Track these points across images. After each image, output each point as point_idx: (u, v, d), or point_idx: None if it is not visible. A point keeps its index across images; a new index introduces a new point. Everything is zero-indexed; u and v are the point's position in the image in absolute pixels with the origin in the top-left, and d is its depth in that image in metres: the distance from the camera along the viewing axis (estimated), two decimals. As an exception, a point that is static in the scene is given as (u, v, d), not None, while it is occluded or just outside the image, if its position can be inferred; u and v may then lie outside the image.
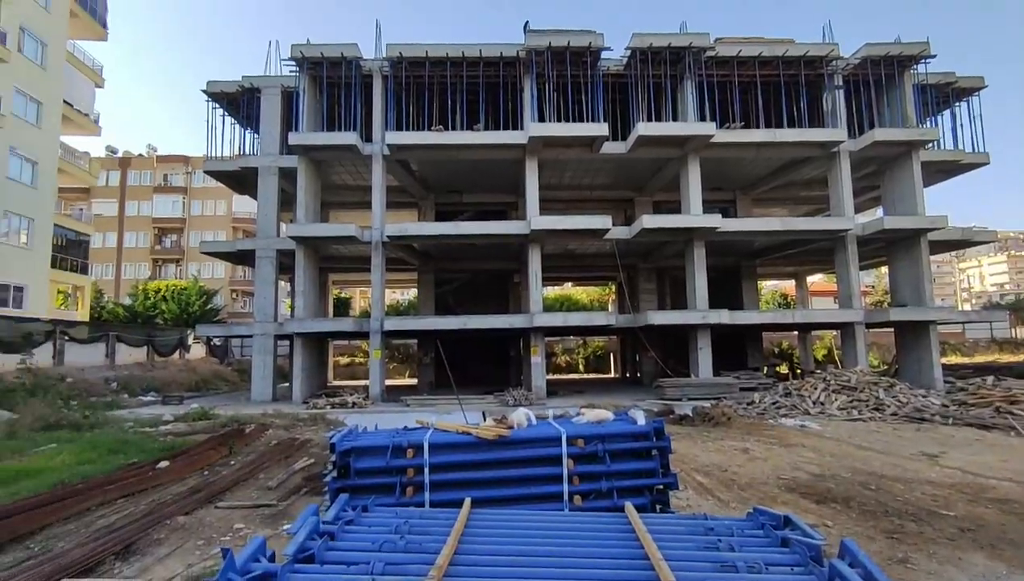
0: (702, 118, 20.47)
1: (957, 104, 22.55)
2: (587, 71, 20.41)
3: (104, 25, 30.09)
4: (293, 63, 20.51)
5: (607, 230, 19.80)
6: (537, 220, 19.41)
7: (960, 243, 23.12)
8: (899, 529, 5.45)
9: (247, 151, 23.28)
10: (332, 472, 4.27)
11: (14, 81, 23.68)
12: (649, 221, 19.77)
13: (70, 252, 28.81)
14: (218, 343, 33.27)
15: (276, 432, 12.16)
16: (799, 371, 27.24)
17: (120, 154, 55.65)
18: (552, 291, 53.73)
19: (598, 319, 21.17)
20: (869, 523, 5.67)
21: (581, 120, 20.57)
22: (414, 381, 30.08)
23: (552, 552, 2.72)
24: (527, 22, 20.74)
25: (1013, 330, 43.02)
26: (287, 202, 22.24)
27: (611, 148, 20.69)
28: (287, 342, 23.33)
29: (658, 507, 4.55)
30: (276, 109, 21.54)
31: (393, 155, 20.54)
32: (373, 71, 20.81)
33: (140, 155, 55.94)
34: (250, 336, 21.71)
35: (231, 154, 22.86)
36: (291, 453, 9.80)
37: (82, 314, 30.27)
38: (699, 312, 19.82)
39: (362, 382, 27.04)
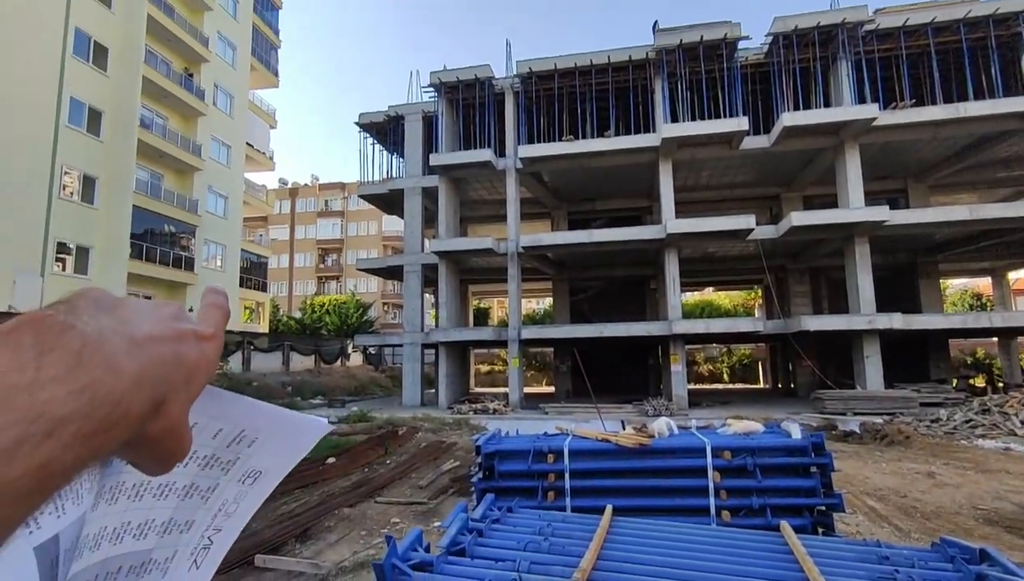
0: (861, 100, 18.40)
1: None
2: (722, 64, 19.35)
3: (276, 74, 34.63)
4: (432, 89, 21.95)
5: (750, 230, 18.50)
6: (673, 223, 18.71)
7: None
8: None
9: (393, 174, 25.32)
10: (478, 473, 4.45)
11: (211, 131, 28.07)
12: (799, 218, 18.12)
13: (253, 273, 33.31)
14: (373, 352, 36.36)
15: (425, 435, 12.97)
16: (1001, 384, 23.14)
17: (289, 185, 63.42)
18: (692, 297, 51.30)
19: (743, 325, 19.82)
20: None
21: (717, 116, 19.52)
22: (551, 389, 30.37)
23: (698, 565, 2.57)
24: (656, 22, 20.21)
25: None
26: (430, 219, 23.75)
27: (752, 143, 19.37)
28: (432, 350, 24.85)
29: (820, 530, 4.10)
30: (418, 133, 23.16)
31: (526, 168, 21.06)
32: (505, 88, 21.56)
33: (305, 184, 63.29)
34: (400, 345, 23.43)
35: (380, 178, 25.01)
36: (439, 455, 10.37)
37: (263, 327, 34.83)
38: (864, 316, 17.70)
39: (502, 389, 27.89)
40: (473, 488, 4.56)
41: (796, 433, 4.32)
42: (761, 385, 34.34)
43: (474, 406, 18.99)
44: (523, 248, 20.47)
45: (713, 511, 4.02)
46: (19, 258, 18.65)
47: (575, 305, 26.80)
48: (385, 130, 24.42)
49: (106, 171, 22.14)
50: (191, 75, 27.03)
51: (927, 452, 10.06)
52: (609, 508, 3.29)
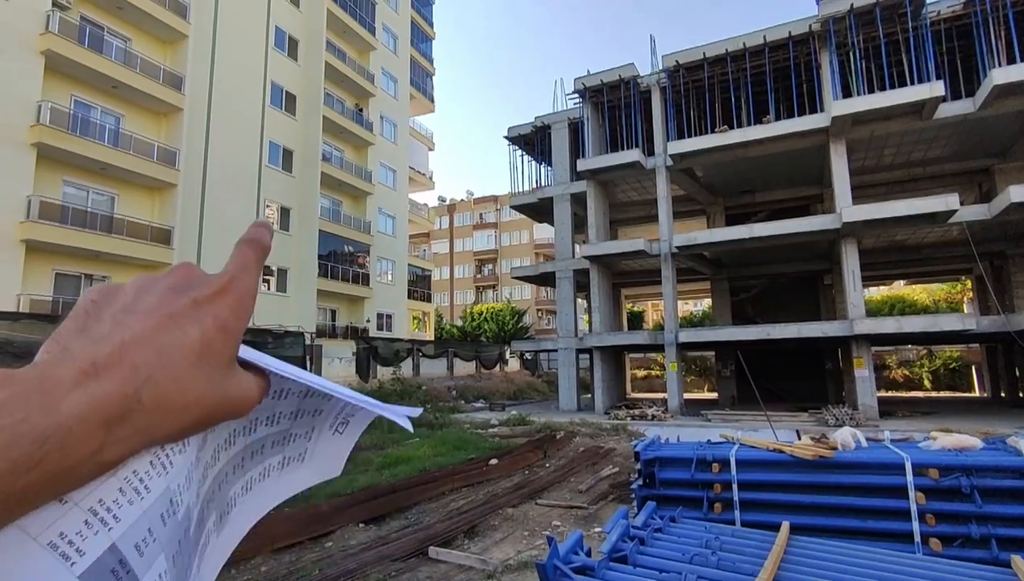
0: (1103, 42, 14.93)
1: None
2: (906, 24, 16.93)
3: (432, 100, 37.51)
4: (576, 95, 22.18)
5: (952, 212, 15.90)
6: (850, 211, 16.75)
7: None
8: None
9: (542, 183, 25.96)
10: (638, 480, 4.42)
11: (379, 158, 31.25)
12: (1020, 193, 15.14)
13: (418, 285, 36.27)
14: (529, 357, 37.46)
15: (582, 440, 13.08)
16: None
17: (447, 201, 68.01)
18: (878, 292, 45.17)
19: (948, 323, 16.98)
20: None
21: (903, 85, 17.09)
22: (713, 395, 28.80)
23: None
24: (820, -11, 18.33)
25: None
26: (579, 225, 23.94)
27: (951, 109, 16.70)
28: (587, 355, 24.95)
29: None
30: (564, 141, 23.52)
31: (676, 165, 20.34)
32: (651, 86, 21.07)
33: (461, 200, 67.42)
34: (555, 350, 23.89)
35: (530, 188, 25.81)
36: (597, 460, 10.41)
37: (429, 335, 37.72)
38: (1122, 308, 14.25)
39: (659, 395, 27.06)
40: (633, 495, 4.54)
41: None
42: (976, 394, 29.16)
43: (631, 411, 18.68)
44: (677, 248, 19.74)
45: (918, 537, 3.52)
46: (235, 281, 22.39)
47: (736, 306, 25.14)
48: (532, 141, 25.17)
49: (297, 201, 25.78)
50: (361, 110, 30.36)
51: None
52: (786, 525, 3.08)
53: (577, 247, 23.78)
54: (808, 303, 24.66)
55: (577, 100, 22.46)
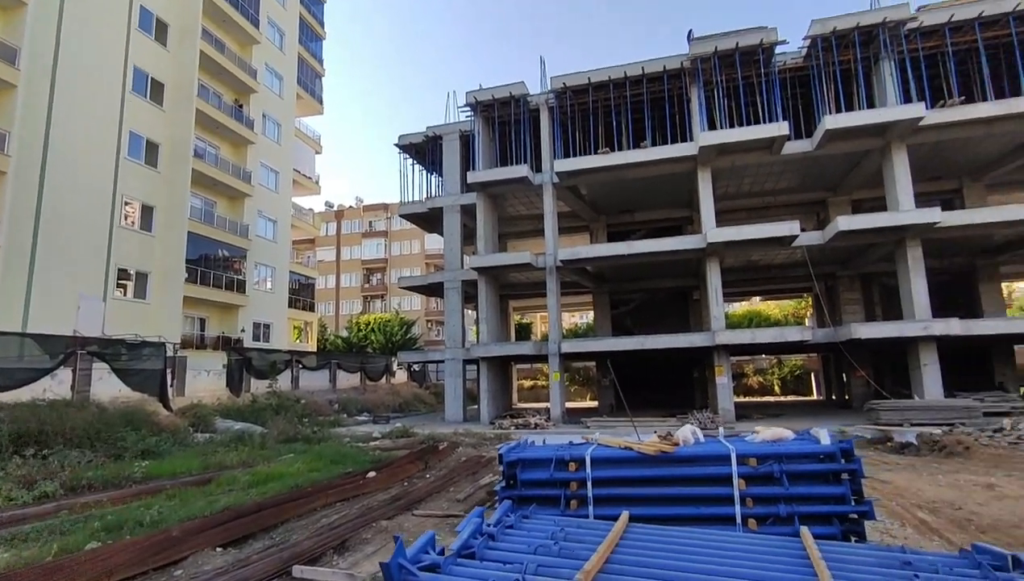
0: (907, 100, 17.83)
1: None
2: (760, 70, 19.13)
3: (320, 102, 36.13)
4: (468, 108, 22.47)
5: (795, 237, 18.09)
6: (713, 232, 18.49)
7: None
8: None
9: (433, 193, 25.91)
10: (501, 482, 4.56)
11: (260, 158, 29.47)
12: (845, 222, 17.61)
13: (301, 294, 34.49)
14: (416, 368, 36.92)
15: (465, 450, 13.14)
16: (1075, 392, 21.65)
17: (335, 207, 65.51)
18: (740, 307, 50.05)
19: (792, 335, 19.24)
20: None
21: (757, 123, 19.24)
22: (595, 403, 30.14)
23: (710, 571, 2.58)
24: (691, 30, 20.20)
25: None
26: (469, 236, 24.16)
27: (794, 147, 19.00)
28: (475, 366, 25.12)
29: (853, 539, 4.00)
30: (455, 152, 23.70)
31: (562, 182, 21.23)
32: (540, 104, 21.88)
33: (350, 206, 65.29)
34: (442, 361, 23.79)
35: (420, 197, 25.64)
36: (477, 469, 10.51)
37: (311, 346, 35.94)
38: (919, 323, 16.98)
39: (544, 404, 27.83)
40: (498, 497, 4.67)
41: (825, 439, 4.24)
42: (814, 397, 33.12)
43: (516, 421, 19.07)
44: (561, 262, 20.56)
45: (739, 519, 3.98)
46: (83, 284, 19.97)
47: (617, 318, 26.63)
48: (424, 150, 25.09)
49: (163, 200, 23.54)
50: (241, 106, 28.52)
51: (988, 463, 9.53)
52: (625, 514, 3.35)
53: (466, 258, 23.97)
54: (680, 316, 26.73)
55: (469, 113, 22.75)
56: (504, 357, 22.90)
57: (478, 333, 23.49)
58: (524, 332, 44.65)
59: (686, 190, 21.90)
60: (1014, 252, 21.31)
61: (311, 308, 35.83)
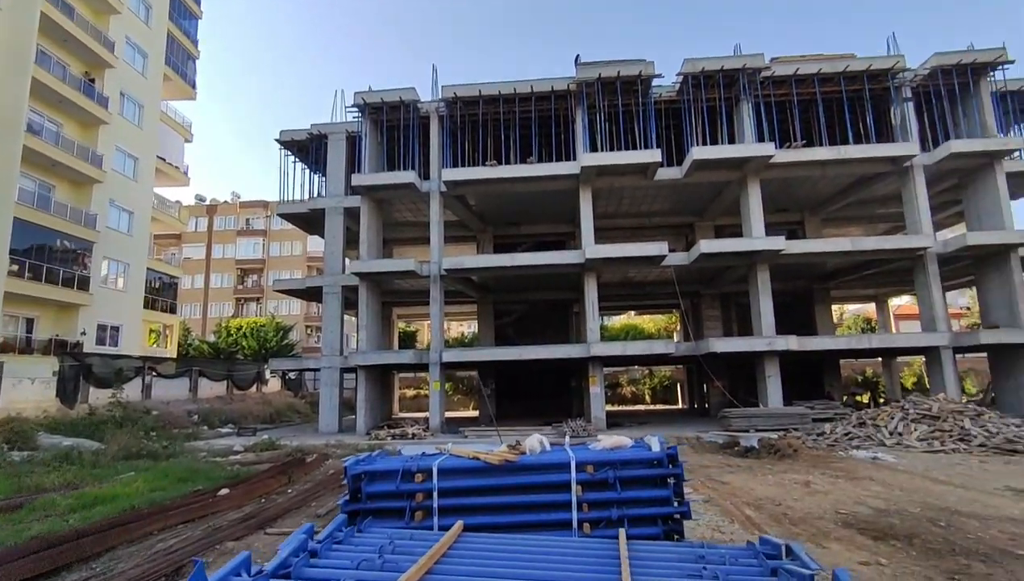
0: (760, 139, 19.92)
1: (1047, 109, 20.84)
2: (639, 99, 20.43)
3: (193, 86, 33.21)
4: (356, 109, 21.77)
5: (663, 257, 19.45)
6: (592, 249, 19.36)
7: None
8: (964, 570, 4.98)
9: (316, 194, 24.72)
10: (346, 496, 4.39)
11: (115, 140, 26.42)
12: (707, 246, 19.27)
13: (161, 294, 31.28)
14: (292, 376, 34.86)
15: (335, 462, 12.55)
16: (882, 400, 25.28)
17: (208, 202, 60.45)
18: (618, 321, 52.90)
19: (658, 347, 20.63)
20: (931, 562, 5.19)
21: (634, 148, 20.52)
22: (477, 413, 30.21)
23: (529, 576, 2.66)
24: (578, 55, 21.13)
25: None
26: (353, 240, 23.30)
27: (667, 174, 20.47)
28: (355, 375, 24.19)
29: (675, 537, 4.32)
30: (341, 153, 22.83)
31: (450, 191, 21.20)
32: (430, 112, 21.73)
33: (225, 202, 60.55)
34: (318, 369, 22.65)
35: (302, 197, 24.34)
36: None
37: (170, 351, 32.65)
38: (764, 339, 18.94)
39: (426, 414, 27.44)
40: (341, 511, 4.48)
41: (656, 446, 4.56)
42: (680, 406, 35.68)
43: (393, 431, 18.59)
44: (446, 270, 20.47)
45: (575, 524, 4.15)
46: None
47: (500, 328, 26.97)
48: (307, 148, 23.90)
49: (-15, 180, 20.29)
50: (92, 80, 25.45)
51: (810, 463, 10.82)
52: (459, 523, 3.34)
53: (349, 263, 23.11)
54: (561, 328, 27.66)
55: (357, 114, 22.05)
56: (385, 366, 22.29)
57: (358, 340, 22.67)
58: (409, 340, 43.84)
59: (569, 207, 22.77)
60: (842, 278, 24.53)
61: (172, 310, 32.61)
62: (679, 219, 25.58)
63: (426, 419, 21.61)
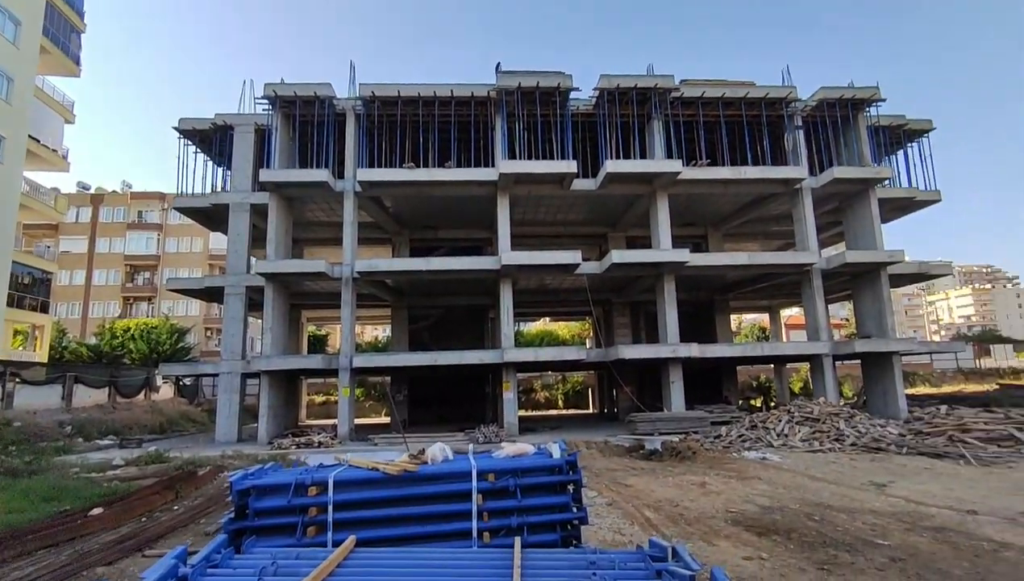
0: (669, 156, 20.95)
1: (909, 145, 23.50)
2: (557, 110, 20.87)
3: (77, 62, 30.13)
4: (267, 102, 20.65)
5: (577, 265, 19.93)
6: (508, 255, 19.49)
7: (918, 276, 23.78)
8: (832, 560, 5.45)
9: (220, 188, 23.15)
10: (230, 513, 4.08)
11: (-20, 118, 23.40)
12: (618, 256, 19.97)
13: (31, 290, 28.06)
14: (188, 383, 32.38)
15: (232, 474, 11.71)
16: (773, 404, 27.29)
17: (92, 190, 55.05)
18: (534, 327, 53.70)
19: (570, 354, 21.09)
20: (805, 554, 5.64)
21: (552, 157, 20.92)
22: (389, 419, 29.48)
23: None
24: (499, 63, 21.25)
25: (978, 360, 43.91)
26: (260, 239, 22.03)
27: (582, 185, 21.01)
28: (258, 381, 22.83)
29: (573, 543, 4.39)
30: (249, 146, 21.56)
31: (365, 191, 20.60)
32: (346, 110, 21.03)
33: (114, 192, 55.43)
34: (216, 375, 21.16)
35: (204, 191, 22.70)
36: (243, 497, 9.40)
37: (41, 355, 29.31)
38: (669, 346, 19.88)
39: (335, 421, 26.40)
40: (223, 530, 4.15)
41: (556, 453, 4.61)
42: (591, 410, 36.67)
43: (298, 440, 17.69)
44: (359, 273, 19.82)
45: (475, 534, 4.08)
46: None
47: (415, 333, 26.50)
48: (211, 139, 22.34)
49: None
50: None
51: (707, 465, 11.45)
52: (351, 538, 3.19)
53: (254, 262, 21.84)
54: (477, 334, 27.63)
55: (267, 106, 20.91)
56: (291, 371, 21.21)
57: (263, 344, 21.41)
58: (319, 344, 42.10)
59: (487, 212, 22.82)
60: (740, 290, 26.28)
61: (44, 308, 29.29)
62: (593, 229, 26.37)
63: (334, 426, 20.75)
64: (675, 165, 20.00)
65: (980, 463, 11.13)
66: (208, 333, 52.08)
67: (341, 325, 20.55)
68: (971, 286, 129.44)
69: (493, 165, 20.57)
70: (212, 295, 23.79)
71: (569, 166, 19.75)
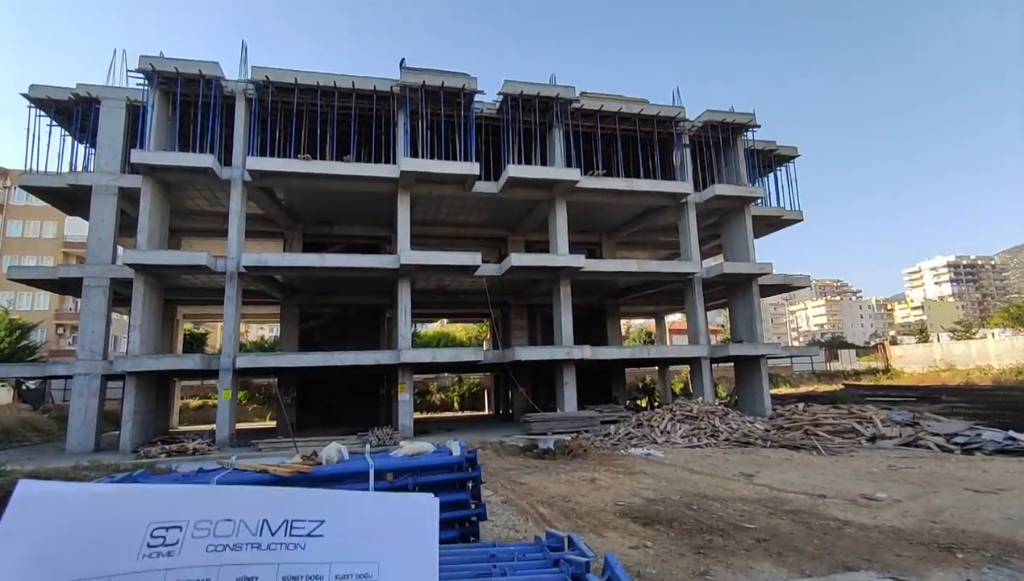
0: (569, 164, 21.68)
1: (779, 168, 26.16)
2: (461, 112, 20.90)
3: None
4: (142, 76, 18.78)
5: (477, 267, 20.04)
6: (407, 254, 19.18)
7: (783, 287, 26.46)
8: (707, 544, 5.95)
9: (80, 167, 20.68)
10: None
11: None
12: (517, 259, 20.35)
13: None
14: (32, 387, 28.58)
15: (88, 487, 10.48)
16: (657, 403, 29.10)
17: (-84, 162, 47.03)
18: (432, 328, 53.22)
19: (467, 355, 21.14)
20: (684, 540, 6.11)
21: (455, 158, 20.90)
22: (275, 423, 27.86)
23: None
24: (403, 59, 20.96)
25: (828, 364, 49.75)
26: (130, 227, 19.97)
27: (484, 187, 21.17)
28: (122, 383, 20.60)
29: (471, 538, 4.45)
30: (118, 123, 19.49)
31: (256, 182, 19.36)
32: (236, 93, 19.66)
33: (-56, 165, 47.68)
34: (71, 376, 18.84)
35: (61, 170, 20.15)
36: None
37: None
38: (564, 348, 20.55)
39: (212, 426, 24.47)
40: None
41: (456, 450, 4.64)
42: (487, 412, 36.95)
43: (169, 447, 16.20)
44: (246, 268, 18.53)
45: None
46: None
47: (305, 332, 25.27)
48: (71, 112, 19.92)
49: None
50: None
51: (597, 462, 11.98)
52: None
53: (122, 252, 19.76)
54: (373, 334, 26.87)
55: (142, 80, 19.01)
56: (163, 373, 19.40)
57: (129, 343, 19.39)
58: (197, 344, 38.90)
59: (387, 210, 22.30)
60: (630, 296, 27.76)
61: None
62: (494, 232, 26.66)
63: (212, 432, 19.24)
64: (574, 173, 20.73)
65: (829, 453, 12.61)
66: (60, 330, 46.40)
67: (224, 323, 19.13)
68: (825, 298, 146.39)
69: (394, 162, 20.17)
70: (67, 287, 21.18)
71: (472, 168, 19.83)
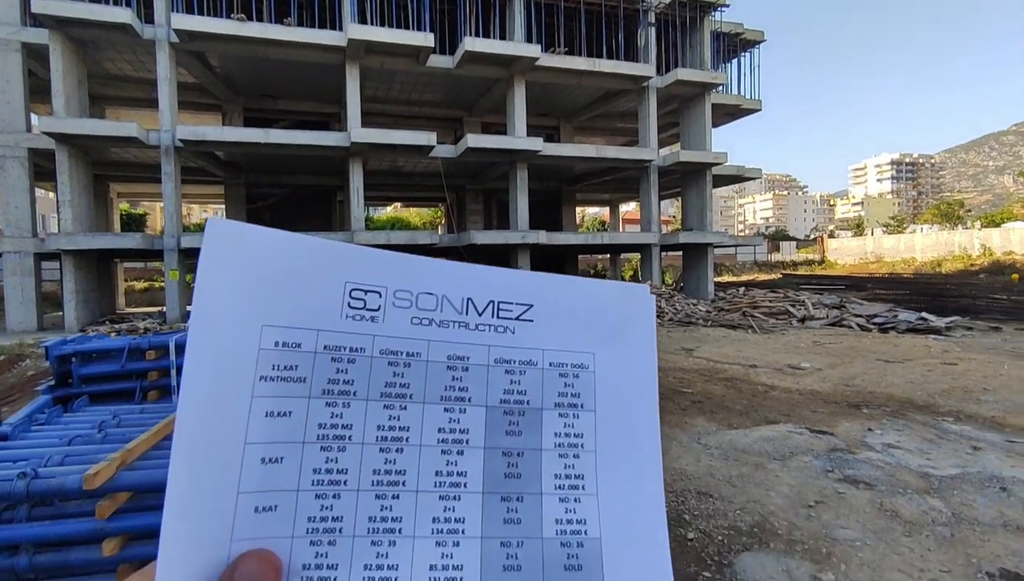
0: (529, 40, 20.49)
1: (743, 54, 25.50)
2: (413, -27, 19.06)
3: None
4: (35, -94, 16.02)
5: (432, 148, 19.38)
6: (358, 132, 18.27)
7: (735, 178, 26.90)
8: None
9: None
10: (51, 380, 3.74)
11: None
12: (474, 141, 19.73)
13: None
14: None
15: (36, 362, 10.40)
16: (607, 289, 30.20)
17: None
18: (386, 212, 52.16)
19: (422, 238, 21.04)
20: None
21: (408, 28, 19.37)
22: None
23: None
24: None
25: (770, 255, 52.21)
26: (41, 91, 18.04)
27: (439, 62, 19.93)
28: (59, 263, 19.70)
29: None
30: (14, -35, 16.89)
31: (185, 44, 17.52)
32: (153, -65, 17.17)
33: None
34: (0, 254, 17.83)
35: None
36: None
37: None
38: (519, 232, 20.68)
39: (162, 308, 24.07)
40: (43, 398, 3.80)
41: None
42: (442, 296, 37.50)
43: (118, 327, 15.96)
44: (182, 141, 17.31)
45: None
46: None
47: (253, 214, 24.40)
48: (-47, -52, 17.05)
49: None
50: None
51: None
52: None
53: (36, 120, 17.98)
54: (324, 217, 26.19)
55: (36, -87, 16.24)
56: (103, 252, 18.58)
57: (59, 220, 18.30)
58: (136, 224, 37.01)
59: (335, 85, 20.83)
60: (586, 182, 27.70)
61: None
62: (449, 112, 25.52)
63: (162, 313, 19.00)
64: (534, 50, 19.68)
65: (763, 331, 13.65)
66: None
67: (164, 201, 18.19)
68: (773, 192, 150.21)
69: (341, 29, 18.54)
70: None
71: (426, 39, 18.49)
